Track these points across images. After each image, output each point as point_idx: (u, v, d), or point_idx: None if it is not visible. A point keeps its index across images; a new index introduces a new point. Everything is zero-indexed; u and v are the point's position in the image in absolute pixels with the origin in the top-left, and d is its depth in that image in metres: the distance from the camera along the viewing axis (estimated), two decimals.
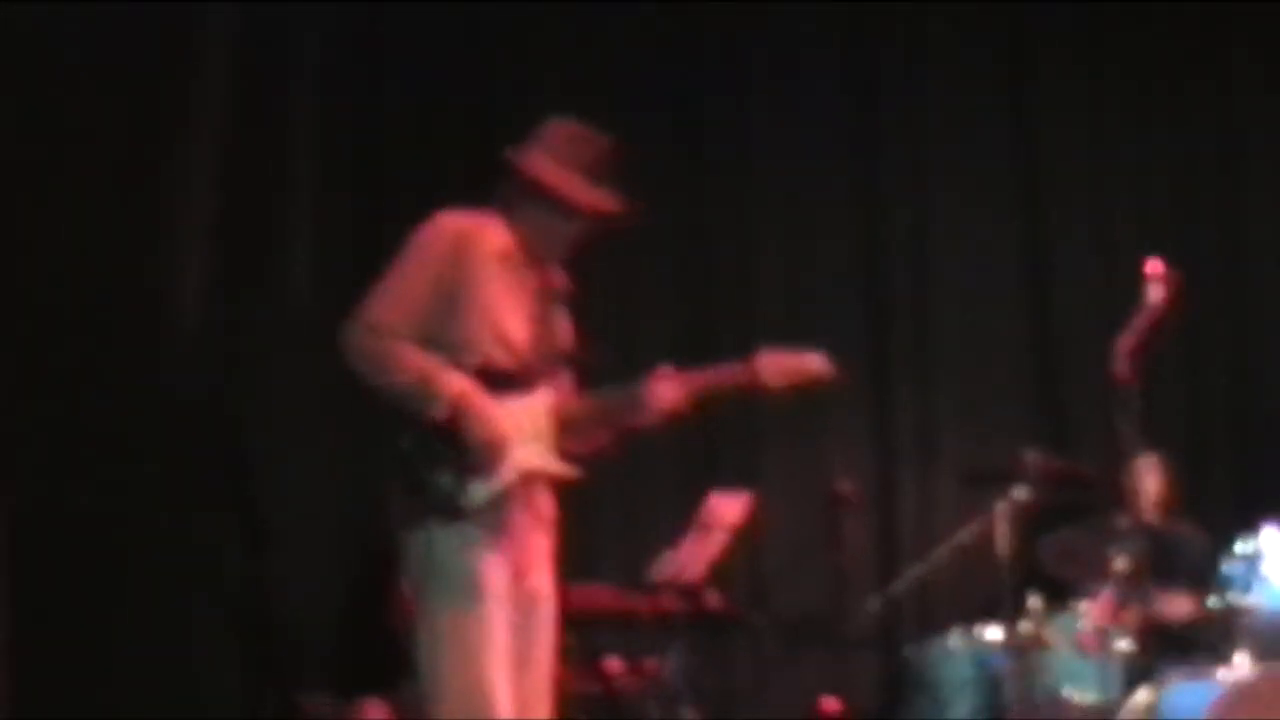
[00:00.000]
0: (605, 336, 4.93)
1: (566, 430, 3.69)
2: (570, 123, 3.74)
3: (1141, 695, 4.58)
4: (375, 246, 4.88)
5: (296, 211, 5.15)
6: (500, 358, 3.63)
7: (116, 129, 4.71)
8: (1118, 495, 4.96)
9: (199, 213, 4.89)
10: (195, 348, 4.81)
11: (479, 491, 3.55)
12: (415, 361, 3.54)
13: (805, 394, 3.84)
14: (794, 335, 3.92)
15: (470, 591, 3.51)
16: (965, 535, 5.12)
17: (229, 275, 4.93)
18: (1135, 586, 4.61)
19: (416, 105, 5.47)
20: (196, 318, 4.84)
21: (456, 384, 3.54)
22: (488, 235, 3.66)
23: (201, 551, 4.70)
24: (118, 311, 4.66)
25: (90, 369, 4.59)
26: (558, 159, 3.67)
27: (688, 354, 5.47)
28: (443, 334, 3.59)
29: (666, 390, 3.69)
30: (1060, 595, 5.04)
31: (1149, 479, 5.24)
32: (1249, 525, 4.80)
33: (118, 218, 4.71)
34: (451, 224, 3.66)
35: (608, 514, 5.68)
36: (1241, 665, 4.60)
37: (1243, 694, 4.40)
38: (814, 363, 3.82)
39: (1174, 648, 4.85)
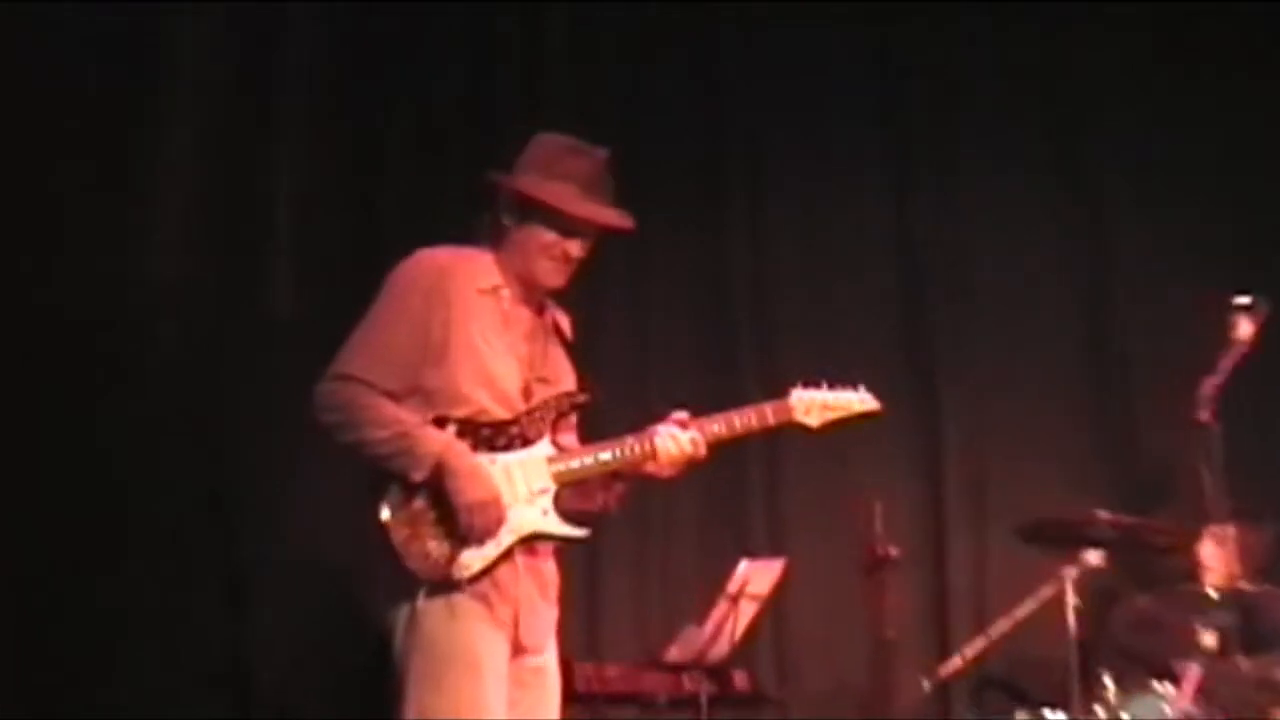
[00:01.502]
0: (614, 377, 4.90)
1: (572, 486, 3.67)
2: (558, 136, 3.76)
3: None
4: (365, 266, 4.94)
5: (279, 223, 5.22)
6: (491, 407, 3.62)
7: (90, 132, 4.83)
8: (1202, 558, 4.87)
9: (175, 221, 5.00)
10: (173, 372, 4.90)
11: (471, 558, 3.53)
12: (392, 416, 3.53)
13: (847, 432, 3.87)
14: (825, 375, 3.93)
15: (462, 668, 3.50)
16: (1028, 605, 5.01)
17: (208, 294, 5.02)
18: (1225, 663, 4.52)
19: (411, 107, 5.53)
20: (175, 341, 4.93)
21: (438, 440, 3.53)
22: (473, 272, 3.67)
23: (175, 602, 4.76)
24: (90, 331, 4.76)
25: (63, 394, 4.68)
26: (549, 173, 3.68)
27: (707, 395, 5.44)
28: (425, 384, 3.58)
29: (681, 436, 3.68)
30: (1137, 673, 4.91)
31: (1238, 540, 5.09)
32: None
33: (90, 225, 4.82)
34: (431, 261, 3.67)
35: (621, 582, 5.65)
36: None
37: None
38: (857, 398, 3.85)
39: None
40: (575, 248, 3.68)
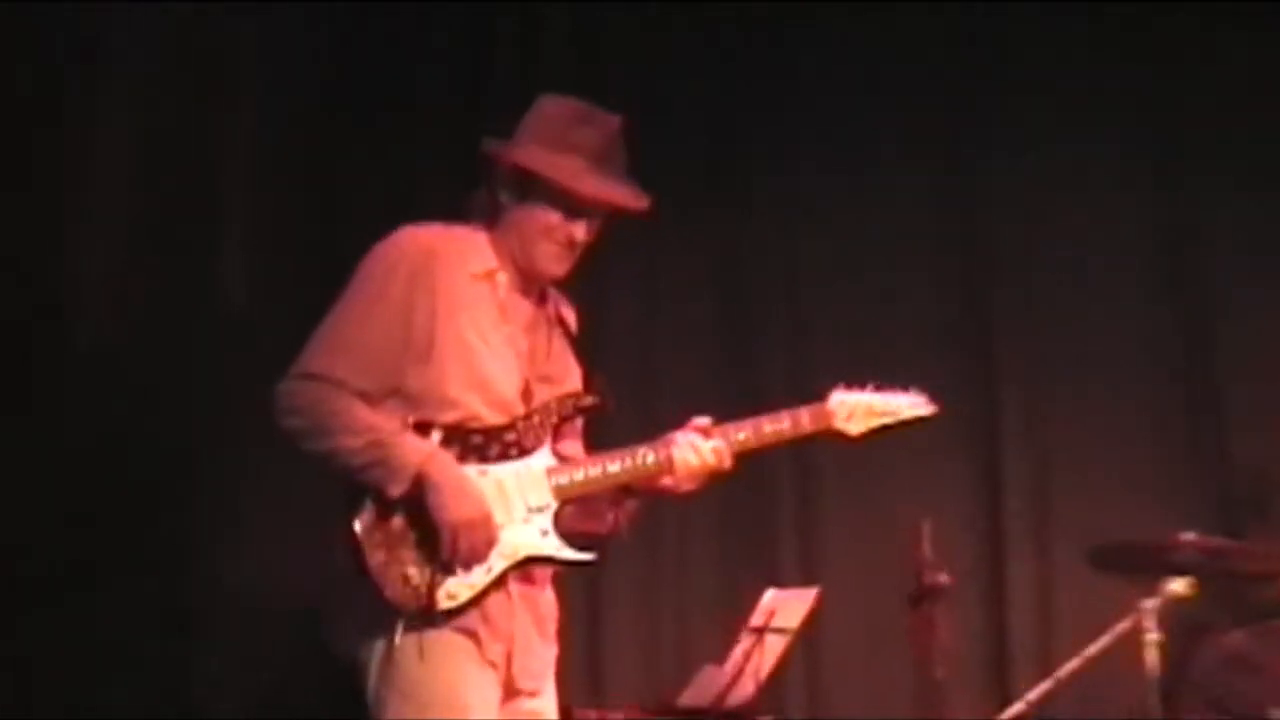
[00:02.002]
0: (624, 377, 4.86)
1: (575, 502, 3.66)
2: (565, 100, 3.73)
3: None
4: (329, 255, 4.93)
5: (230, 208, 5.27)
6: (483, 412, 3.59)
7: (19, 124, 4.92)
8: None
9: (111, 207, 5.04)
10: (105, 374, 4.93)
11: (457, 587, 3.51)
12: (366, 421, 3.50)
13: (892, 440, 3.89)
14: (867, 375, 3.92)
15: (446, 714, 3.49)
16: (1101, 642, 4.96)
17: (147, 288, 5.05)
18: None
19: (376, 97, 5.57)
20: (106, 339, 4.95)
21: (419, 450, 3.50)
22: (464, 253, 3.65)
23: (110, 637, 4.76)
24: (17, 331, 4.81)
25: None
26: (553, 144, 3.65)
27: (731, 398, 5.39)
28: (407, 385, 3.56)
29: (702, 445, 3.67)
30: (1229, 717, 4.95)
31: None
32: None
33: (18, 217, 4.89)
34: (415, 241, 3.64)
35: (629, 614, 5.67)
36: None
37: None
38: (908, 402, 3.87)
39: None
40: (581, 230, 3.65)
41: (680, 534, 5.66)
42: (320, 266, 3.80)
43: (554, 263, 3.67)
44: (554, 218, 3.63)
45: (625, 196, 3.67)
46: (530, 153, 3.64)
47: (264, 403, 3.53)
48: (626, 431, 3.73)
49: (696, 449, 3.65)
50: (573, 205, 3.63)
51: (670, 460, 3.65)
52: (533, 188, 3.63)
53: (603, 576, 5.45)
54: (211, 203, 5.24)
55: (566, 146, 3.63)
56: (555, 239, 3.64)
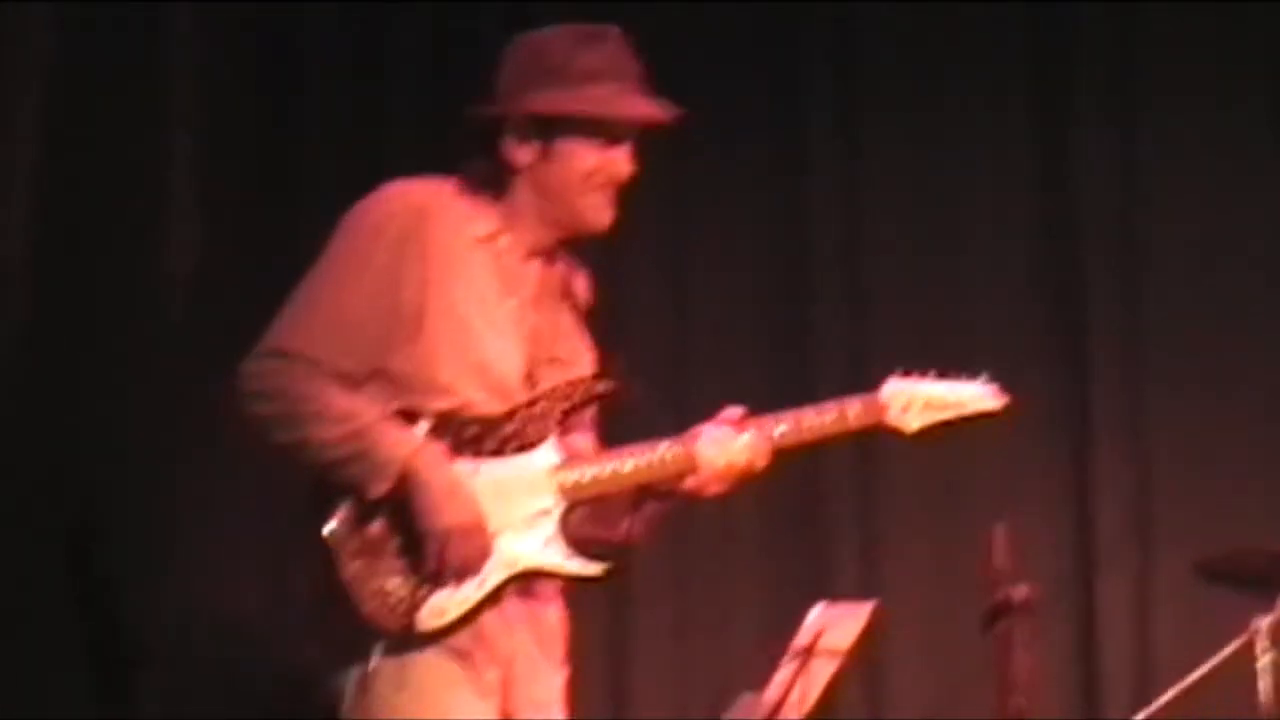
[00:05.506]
0: (645, 358, 4.86)
1: (586, 505, 3.69)
2: (550, 31, 3.73)
3: None
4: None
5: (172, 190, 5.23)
6: (479, 399, 3.62)
7: None
8: None
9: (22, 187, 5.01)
10: (24, 359, 4.94)
11: (445, 602, 3.54)
12: (344, 408, 3.53)
13: (962, 433, 3.89)
14: (934, 358, 3.93)
15: None
16: (1208, 666, 4.97)
17: (73, 253, 5.04)
18: None
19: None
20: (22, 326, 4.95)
21: (405, 443, 3.53)
22: (465, 213, 3.68)
23: (30, 676, 4.77)
24: None
25: None
26: (566, 79, 3.65)
27: (771, 385, 5.37)
28: (392, 365, 3.59)
29: (733, 441, 3.68)
30: None
31: None
32: None
33: None
34: (405, 199, 3.67)
35: (654, 634, 5.71)
36: None
37: None
38: (974, 393, 3.87)
39: None
40: (624, 162, 3.68)
41: (715, 542, 5.66)
42: (270, 246, 3.81)
43: (604, 211, 3.70)
44: (591, 159, 3.65)
45: (666, 111, 3.71)
46: (547, 96, 3.65)
47: (212, 386, 3.55)
48: (651, 424, 3.73)
49: (725, 445, 3.66)
50: (611, 136, 3.66)
51: (694, 458, 3.66)
52: (559, 134, 3.65)
53: (627, 591, 5.48)
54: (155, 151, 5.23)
55: (581, 76, 3.65)
56: (598, 184, 3.67)
